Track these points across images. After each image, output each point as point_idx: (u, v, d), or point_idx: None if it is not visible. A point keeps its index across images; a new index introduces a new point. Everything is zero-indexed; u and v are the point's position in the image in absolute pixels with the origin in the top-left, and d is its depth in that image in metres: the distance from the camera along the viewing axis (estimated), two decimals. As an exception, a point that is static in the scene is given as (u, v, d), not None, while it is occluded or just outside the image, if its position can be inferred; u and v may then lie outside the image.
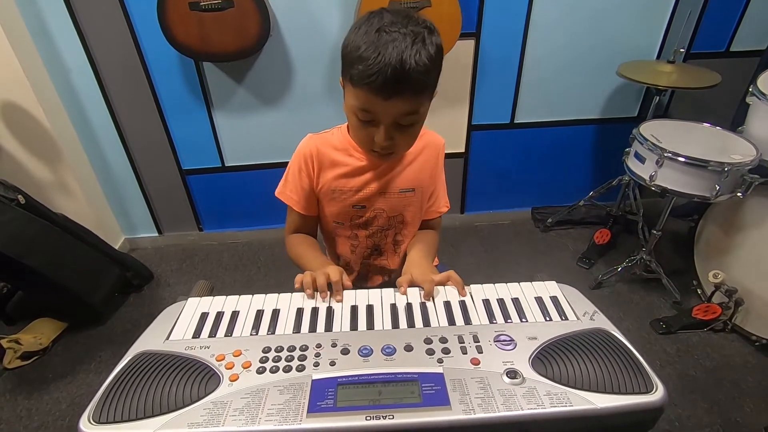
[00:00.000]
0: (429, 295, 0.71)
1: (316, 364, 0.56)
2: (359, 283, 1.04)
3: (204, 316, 0.67)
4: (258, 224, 2.16)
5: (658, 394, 0.52)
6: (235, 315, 0.67)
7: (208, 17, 1.50)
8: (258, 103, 1.85)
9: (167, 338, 0.63)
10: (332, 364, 0.57)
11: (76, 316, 1.72)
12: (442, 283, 0.74)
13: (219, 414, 0.50)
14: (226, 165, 2.00)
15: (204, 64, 1.74)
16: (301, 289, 0.73)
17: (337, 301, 0.70)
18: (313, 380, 0.54)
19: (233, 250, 2.16)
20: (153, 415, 0.50)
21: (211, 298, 0.71)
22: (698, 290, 1.76)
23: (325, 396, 0.52)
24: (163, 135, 1.89)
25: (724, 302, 1.60)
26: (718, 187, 1.41)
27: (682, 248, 1.86)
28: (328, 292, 0.72)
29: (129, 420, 0.50)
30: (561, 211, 2.18)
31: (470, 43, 1.79)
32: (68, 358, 1.62)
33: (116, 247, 1.99)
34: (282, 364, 0.57)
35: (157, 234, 2.19)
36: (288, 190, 0.92)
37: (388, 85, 0.66)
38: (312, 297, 0.71)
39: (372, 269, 1.01)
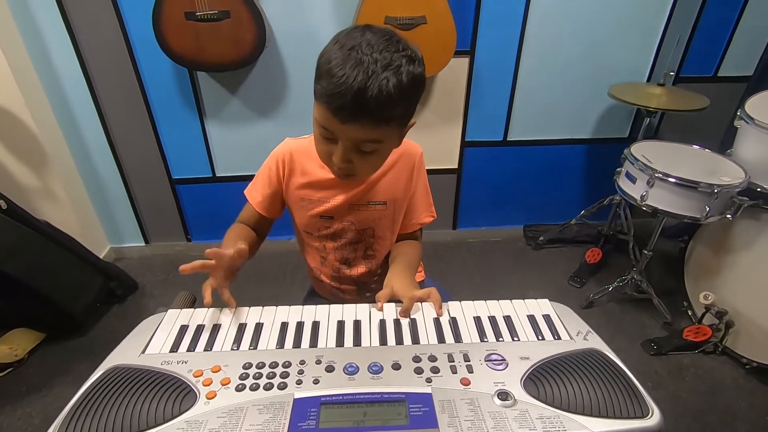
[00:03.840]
0: (407, 312, 0.68)
1: (299, 382, 0.54)
2: (331, 294, 1.02)
3: (183, 329, 0.64)
4: (247, 236, 2.13)
5: (654, 419, 0.50)
6: (216, 328, 0.64)
7: (204, 27, 1.49)
8: (251, 114, 1.84)
9: (143, 352, 0.60)
10: (316, 382, 0.54)
11: (55, 326, 1.66)
12: (423, 300, 0.72)
13: (193, 434, 0.47)
14: (217, 175, 1.98)
15: (198, 74, 1.73)
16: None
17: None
18: (295, 399, 0.51)
19: (221, 261, 2.12)
20: (123, 435, 0.47)
21: (192, 310, 0.68)
22: (689, 311, 1.75)
23: (307, 416, 0.49)
24: (153, 143, 1.87)
25: (714, 324, 1.60)
26: (708, 209, 1.42)
27: (672, 269, 1.86)
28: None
29: (96, 439, 0.47)
30: (553, 229, 2.18)
31: (465, 61, 1.81)
32: (44, 370, 1.56)
33: (101, 257, 1.95)
34: (263, 381, 0.54)
35: (143, 244, 2.14)
36: (255, 190, 0.90)
37: (346, 110, 0.62)
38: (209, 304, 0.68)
39: (344, 280, 0.98)
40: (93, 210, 1.99)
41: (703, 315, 1.64)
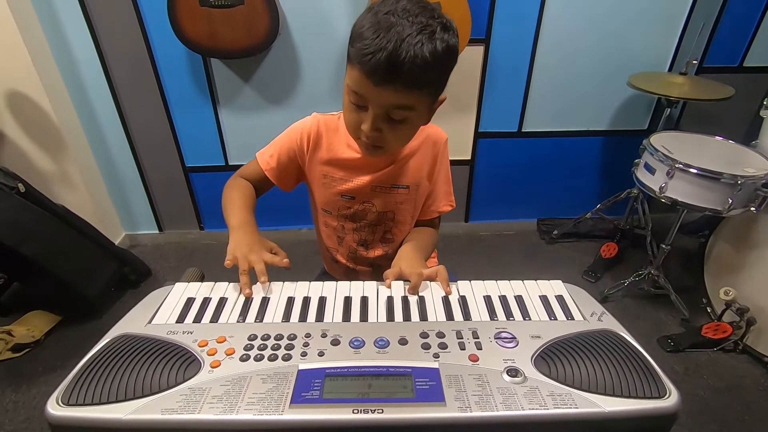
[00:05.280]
0: (415, 289, 0.67)
1: (304, 354, 0.53)
2: (346, 275, 1.01)
3: (190, 302, 0.64)
4: (259, 225, 2.14)
5: (671, 399, 0.48)
6: (222, 301, 0.64)
7: (218, 13, 1.50)
8: (264, 102, 1.84)
9: (149, 322, 0.59)
10: (321, 354, 0.53)
11: (71, 309, 1.69)
12: (431, 278, 0.70)
13: (196, 401, 0.46)
14: (230, 164, 1.98)
15: (211, 61, 1.74)
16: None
17: (262, 283, 0.67)
18: (299, 370, 0.51)
19: (233, 250, 2.13)
20: (126, 399, 0.47)
21: (199, 283, 0.68)
22: (708, 308, 1.70)
23: (311, 387, 0.48)
24: (168, 130, 1.88)
25: (735, 321, 1.55)
26: (731, 201, 1.37)
27: (691, 265, 1.81)
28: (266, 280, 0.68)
29: (100, 403, 0.47)
30: (567, 223, 2.14)
31: (479, 50, 1.78)
32: (60, 351, 1.59)
33: (116, 243, 1.97)
34: (267, 352, 0.53)
35: (157, 231, 2.17)
36: (268, 155, 0.88)
37: (380, 71, 0.62)
38: (248, 285, 0.67)
39: (359, 261, 0.97)
40: (108, 196, 2.02)
41: (723, 312, 1.58)
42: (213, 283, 0.68)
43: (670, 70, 1.85)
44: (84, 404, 0.47)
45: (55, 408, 0.46)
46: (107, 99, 1.79)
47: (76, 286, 1.61)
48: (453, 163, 2.19)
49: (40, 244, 1.50)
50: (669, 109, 1.75)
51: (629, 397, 0.48)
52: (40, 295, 1.68)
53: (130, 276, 1.87)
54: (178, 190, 2.05)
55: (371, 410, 0.45)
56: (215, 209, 2.11)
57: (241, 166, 1.95)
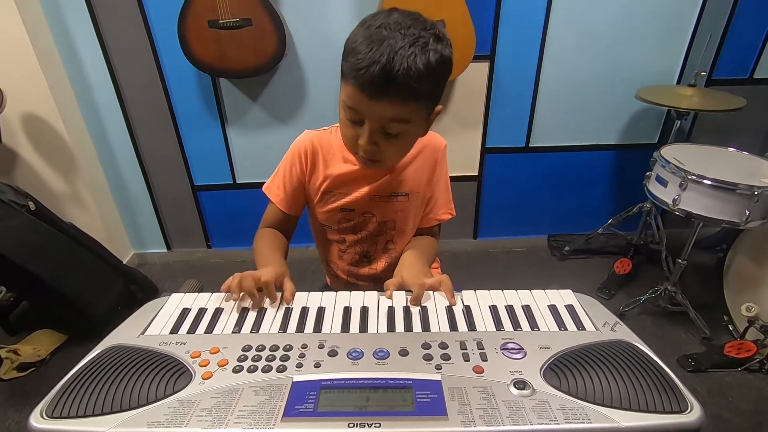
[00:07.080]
0: (417, 300, 0.65)
1: (299, 365, 0.51)
2: (347, 290, 0.98)
3: (185, 312, 0.62)
4: (266, 243, 2.13)
5: (693, 414, 0.44)
6: (218, 312, 0.62)
7: (226, 35, 1.53)
8: (271, 121, 1.86)
9: (142, 333, 0.58)
10: (317, 366, 0.51)
11: (77, 328, 1.68)
12: (434, 288, 0.68)
13: (184, 414, 0.44)
14: (238, 182, 1.99)
15: (220, 81, 1.77)
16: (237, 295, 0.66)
17: (271, 303, 0.65)
18: (293, 382, 0.48)
19: (240, 268, 2.09)
20: (112, 412, 0.45)
21: (196, 294, 0.66)
22: (730, 326, 1.62)
23: (305, 399, 0.46)
24: (177, 150, 1.91)
25: (759, 339, 1.47)
26: (748, 212, 1.32)
27: (709, 281, 1.74)
28: (258, 296, 0.65)
29: (85, 416, 0.45)
30: (578, 239, 2.10)
31: (485, 66, 1.78)
32: (64, 371, 1.52)
33: (125, 261, 1.98)
34: (262, 363, 0.51)
35: (166, 250, 2.18)
36: (275, 186, 0.88)
37: (375, 84, 0.61)
38: (237, 300, 0.65)
39: (360, 277, 0.95)
40: (118, 216, 2.04)
41: (746, 329, 1.51)
42: (209, 294, 0.66)
43: (678, 82, 1.83)
44: (68, 417, 0.45)
45: (38, 421, 0.44)
46: (119, 121, 1.83)
47: (84, 304, 1.60)
48: (460, 179, 2.17)
49: (48, 262, 1.50)
50: (679, 122, 1.72)
51: (647, 411, 0.44)
52: (47, 314, 1.68)
53: (138, 294, 1.86)
54: (187, 208, 2.06)
55: (368, 424, 0.43)
56: (223, 228, 2.14)
57: (249, 184, 1.95)
